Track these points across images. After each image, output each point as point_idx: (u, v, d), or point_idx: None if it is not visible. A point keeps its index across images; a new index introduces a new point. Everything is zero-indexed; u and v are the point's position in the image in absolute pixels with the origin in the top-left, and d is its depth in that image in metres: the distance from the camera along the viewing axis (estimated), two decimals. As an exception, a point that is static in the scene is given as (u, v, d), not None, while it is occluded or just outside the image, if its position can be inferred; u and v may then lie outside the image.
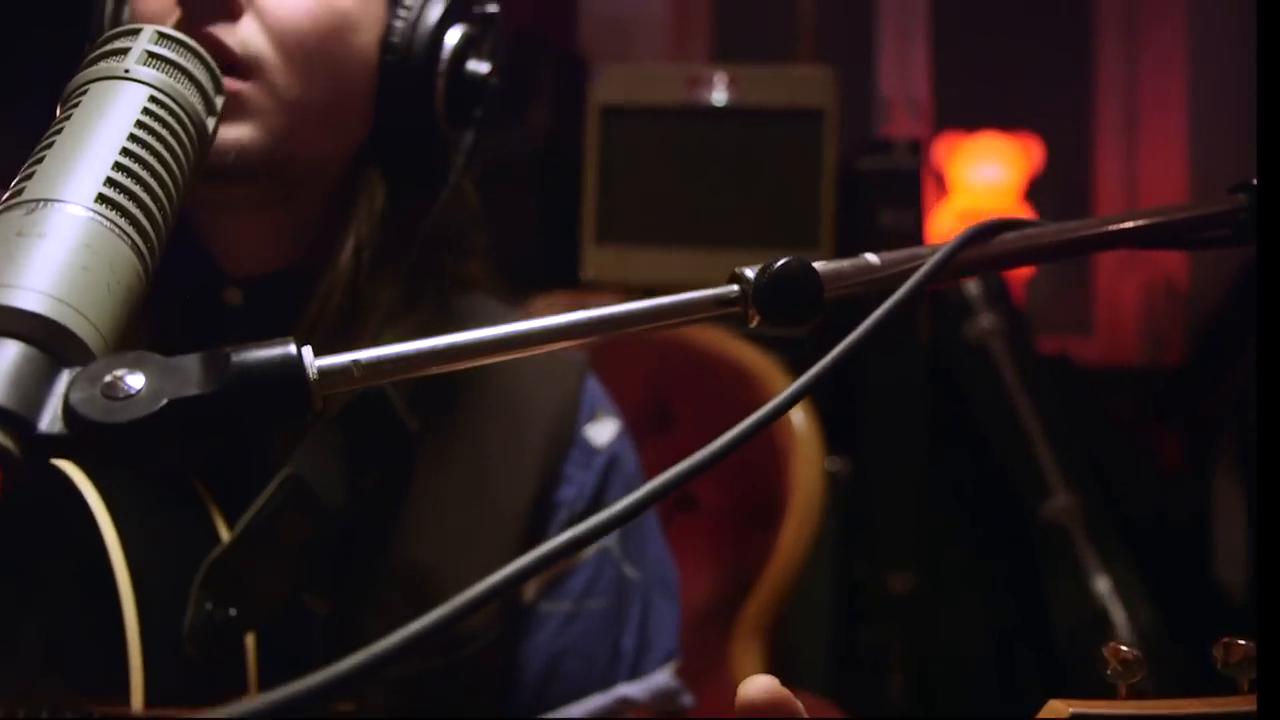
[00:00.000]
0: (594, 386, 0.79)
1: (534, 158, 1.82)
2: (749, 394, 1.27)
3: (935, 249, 0.45)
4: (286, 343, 0.35)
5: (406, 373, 0.37)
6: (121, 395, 0.33)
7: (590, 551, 0.75)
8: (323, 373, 0.35)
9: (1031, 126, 2.48)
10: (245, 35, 0.60)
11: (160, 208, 0.41)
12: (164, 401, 0.33)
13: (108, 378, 0.33)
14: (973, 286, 1.73)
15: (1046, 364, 1.81)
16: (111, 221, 0.38)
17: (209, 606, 0.61)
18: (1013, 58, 2.62)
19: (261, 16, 0.61)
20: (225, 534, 0.64)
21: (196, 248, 0.68)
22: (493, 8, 0.71)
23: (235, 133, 0.59)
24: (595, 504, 0.75)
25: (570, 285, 1.67)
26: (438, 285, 0.72)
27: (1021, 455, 1.68)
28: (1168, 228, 0.50)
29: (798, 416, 1.25)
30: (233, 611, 0.61)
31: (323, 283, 0.65)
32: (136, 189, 0.40)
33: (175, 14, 0.60)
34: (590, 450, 0.76)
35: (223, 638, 0.62)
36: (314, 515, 0.64)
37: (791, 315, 0.40)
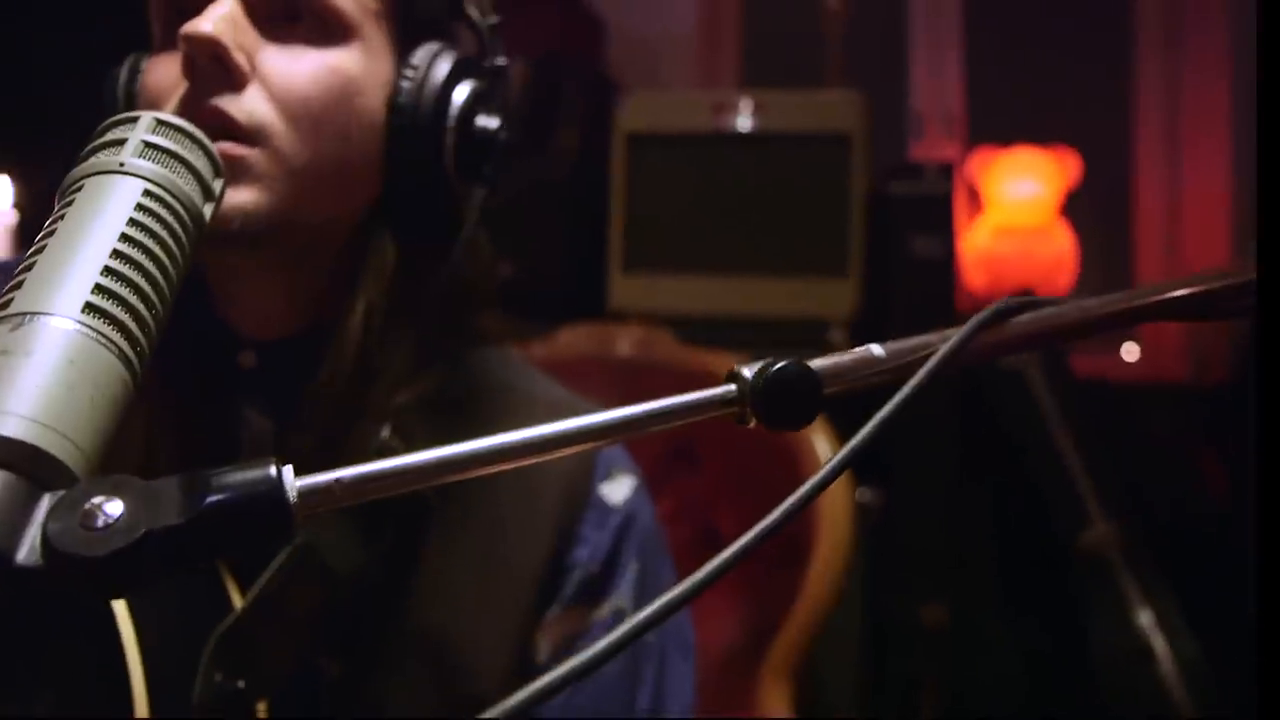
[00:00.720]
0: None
1: (562, 183, 1.82)
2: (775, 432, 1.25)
3: (945, 336, 0.43)
4: (266, 464, 0.34)
5: (390, 490, 0.36)
6: (99, 525, 0.32)
7: (604, 612, 0.74)
8: (303, 494, 0.34)
9: (1068, 139, 2.43)
10: (250, 104, 0.60)
11: (151, 307, 0.41)
12: (142, 532, 0.32)
13: (86, 505, 0.33)
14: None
15: (1084, 387, 1.77)
16: (98, 332, 0.38)
17: (219, 678, 0.61)
18: (1048, 70, 2.58)
19: (266, 84, 0.60)
20: (238, 599, 0.64)
21: (210, 311, 0.68)
22: (501, 61, 0.70)
23: (240, 198, 0.59)
24: (609, 564, 0.74)
25: (597, 314, 1.66)
26: (452, 343, 0.72)
27: (1058, 483, 1.64)
28: (1194, 300, 0.48)
29: (824, 449, 1.24)
30: (242, 684, 0.61)
31: (333, 348, 0.65)
32: (126, 293, 0.40)
33: (183, 86, 0.60)
34: (605, 509, 0.75)
35: (233, 708, 0.62)
36: (325, 583, 0.64)
37: (788, 419, 0.39)
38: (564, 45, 2.23)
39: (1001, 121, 2.53)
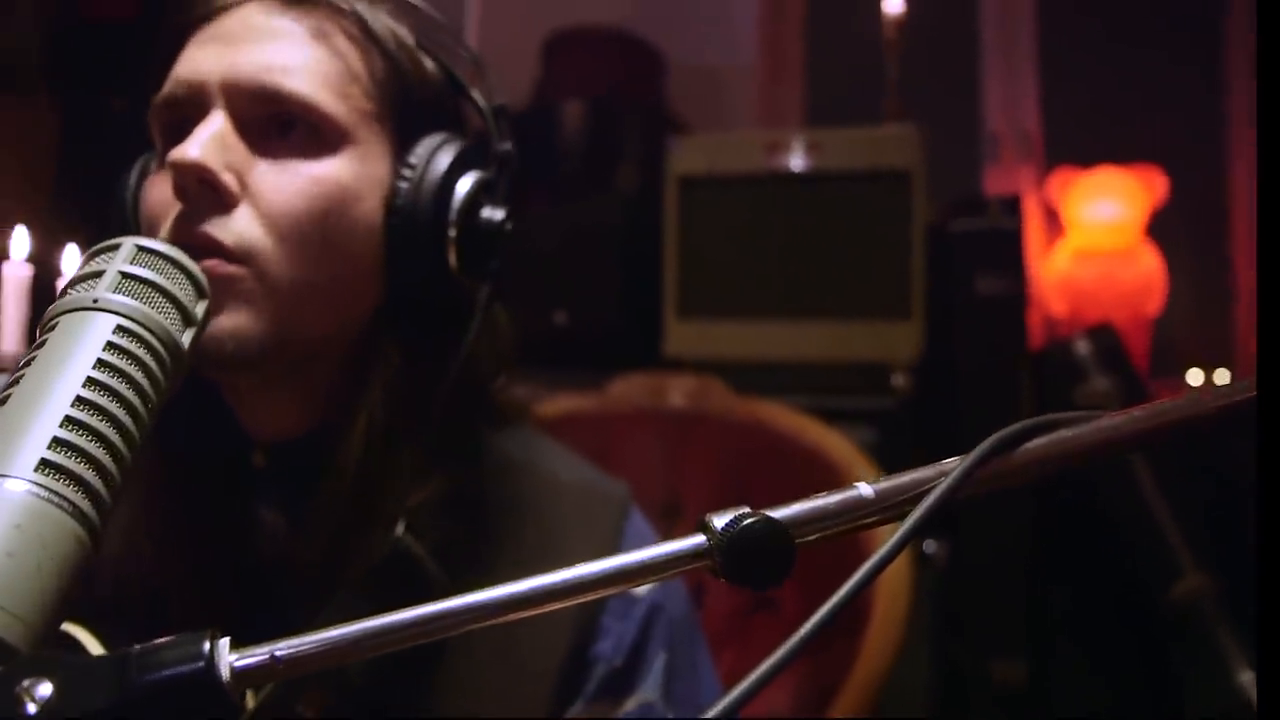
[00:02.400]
0: (636, 525, 0.75)
1: (617, 226, 1.80)
2: (829, 484, 1.20)
3: (942, 471, 0.40)
4: (200, 640, 0.33)
5: (334, 661, 0.35)
6: (27, 710, 0.31)
7: (631, 706, 0.71)
8: (239, 673, 0.33)
9: (1153, 158, 2.32)
10: (240, 226, 0.59)
11: (116, 453, 0.40)
12: (68, 717, 0.31)
13: (15, 689, 0.32)
14: (1082, 346, 1.61)
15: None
16: (51, 491, 0.37)
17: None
18: (1128, 85, 2.46)
19: (257, 202, 0.60)
20: (250, 699, 0.63)
21: (222, 410, 0.68)
22: (508, 146, 0.68)
23: (232, 321, 0.58)
24: (634, 657, 0.71)
25: (653, 361, 1.63)
26: (467, 435, 0.70)
27: (1145, 530, 1.54)
28: (1227, 412, 0.43)
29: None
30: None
31: (338, 454, 0.64)
32: (87, 443, 0.39)
33: (175, 209, 0.60)
34: (629, 599, 0.72)
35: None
36: (336, 687, 0.63)
37: (754, 579, 0.36)
38: (622, 82, 2.22)
39: (1081, 141, 2.43)
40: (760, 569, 0.36)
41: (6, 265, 1.26)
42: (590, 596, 0.37)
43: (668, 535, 0.78)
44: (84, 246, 1.29)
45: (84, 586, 0.39)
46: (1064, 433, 0.42)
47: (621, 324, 1.73)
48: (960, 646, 1.50)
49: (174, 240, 0.58)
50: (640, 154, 2.00)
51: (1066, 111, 2.48)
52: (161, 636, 0.65)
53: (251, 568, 0.67)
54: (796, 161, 1.58)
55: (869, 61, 2.07)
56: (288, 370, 0.63)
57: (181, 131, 0.60)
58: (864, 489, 0.39)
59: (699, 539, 0.37)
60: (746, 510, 0.36)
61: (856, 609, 1.14)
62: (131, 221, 0.65)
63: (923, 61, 1.98)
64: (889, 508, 0.39)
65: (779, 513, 0.37)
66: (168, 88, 0.63)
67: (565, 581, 0.37)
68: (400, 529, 0.64)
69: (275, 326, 0.59)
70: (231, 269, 0.58)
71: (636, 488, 0.85)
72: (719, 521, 0.37)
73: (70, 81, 2.44)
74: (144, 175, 0.66)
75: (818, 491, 1.22)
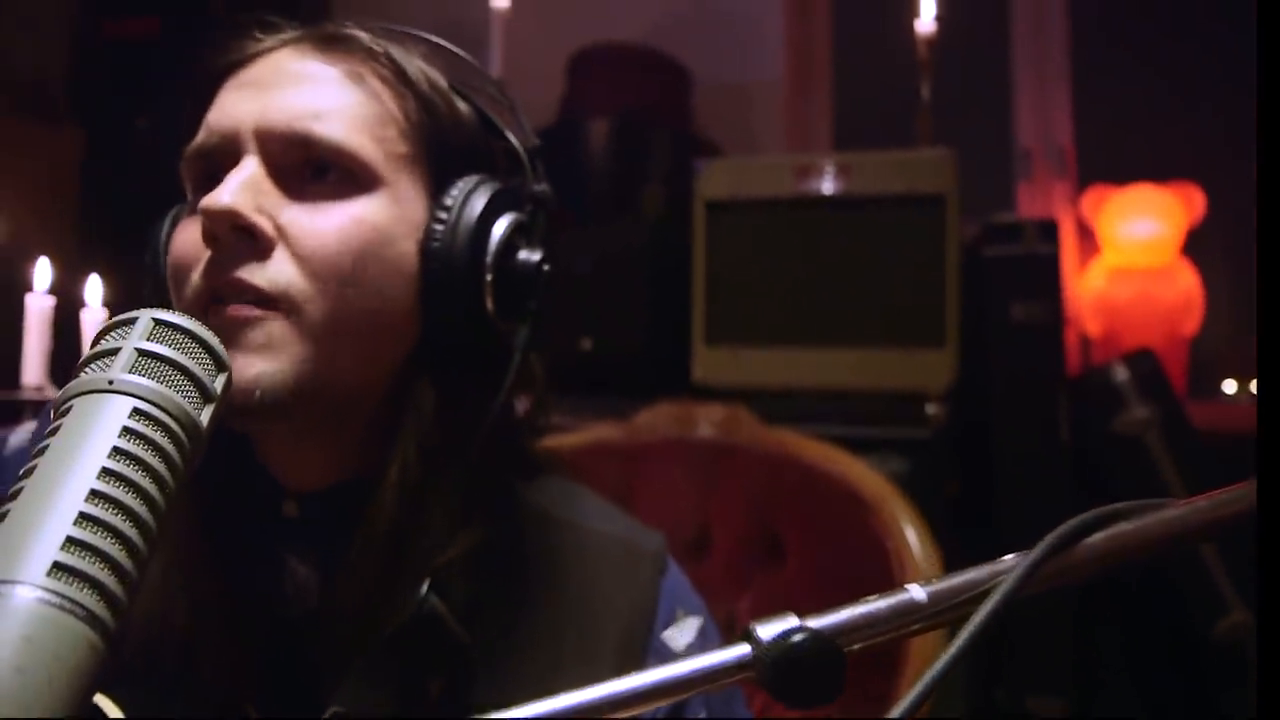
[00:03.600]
0: (673, 581, 0.73)
1: (644, 249, 1.78)
2: (863, 519, 1.18)
3: (996, 573, 0.37)
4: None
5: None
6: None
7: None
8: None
9: (1190, 175, 2.26)
10: (274, 270, 0.58)
11: (133, 549, 0.39)
12: None
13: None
14: (1121, 372, 1.57)
15: (1210, 450, 1.61)
16: (64, 597, 0.36)
17: None
18: (1163, 100, 2.42)
19: (291, 246, 0.58)
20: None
21: (253, 459, 0.67)
22: (542, 187, 0.67)
23: (259, 368, 0.57)
24: (675, 711, 0.69)
25: (680, 388, 1.60)
26: (500, 488, 0.68)
27: (1188, 564, 1.50)
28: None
29: (913, 537, 1.16)
30: None
31: (371, 506, 0.62)
32: (102, 541, 0.38)
33: (205, 255, 0.59)
34: (668, 657, 0.69)
35: None
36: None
37: (804, 696, 0.34)
38: (648, 99, 2.20)
39: (1115, 157, 2.38)
40: (808, 686, 0.34)
41: (29, 296, 1.26)
42: (633, 712, 0.35)
43: (696, 574, 0.76)
44: (106, 277, 1.29)
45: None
46: (1124, 526, 0.40)
47: (648, 350, 1.71)
48: (998, 683, 1.47)
49: (205, 286, 0.58)
50: (667, 173, 1.98)
51: (1100, 127, 2.43)
52: (188, 693, 0.63)
53: (281, 621, 0.66)
54: (827, 185, 1.55)
55: (898, 73, 2.04)
56: (320, 418, 0.61)
57: (214, 180, 0.59)
58: (916, 592, 0.37)
59: (744, 650, 0.35)
60: (794, 624, 0.34)
61: (893, 645, 1.11)
62: (163, 275, 0.64)
63: (954, 76, 1.95)
64: (942, 612, 0.37)
65: (827, 622, 0.35)
66: (200, 137, 0.62)
67: (607, 697, 0.35)
68: (424, 588, 0.62)
69: (308, 373, 0.58)
70: (264, 313, 0.57)
71: (665, 520, 0.83)
72: (765, 633, 0.35)
73: (94, 101, 2.46)
74: (175, 226, 0.65)
75: (848, 527, 1.18)
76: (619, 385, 1.47)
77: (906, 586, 0.37)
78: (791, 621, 0.34)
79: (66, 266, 1.31)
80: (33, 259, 1.28)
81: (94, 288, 1.27)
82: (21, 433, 0.73)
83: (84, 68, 2.50)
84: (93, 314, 1.27)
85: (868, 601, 0.36)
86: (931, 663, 0.98)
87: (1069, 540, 0.38)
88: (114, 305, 1.26)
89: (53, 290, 1.27)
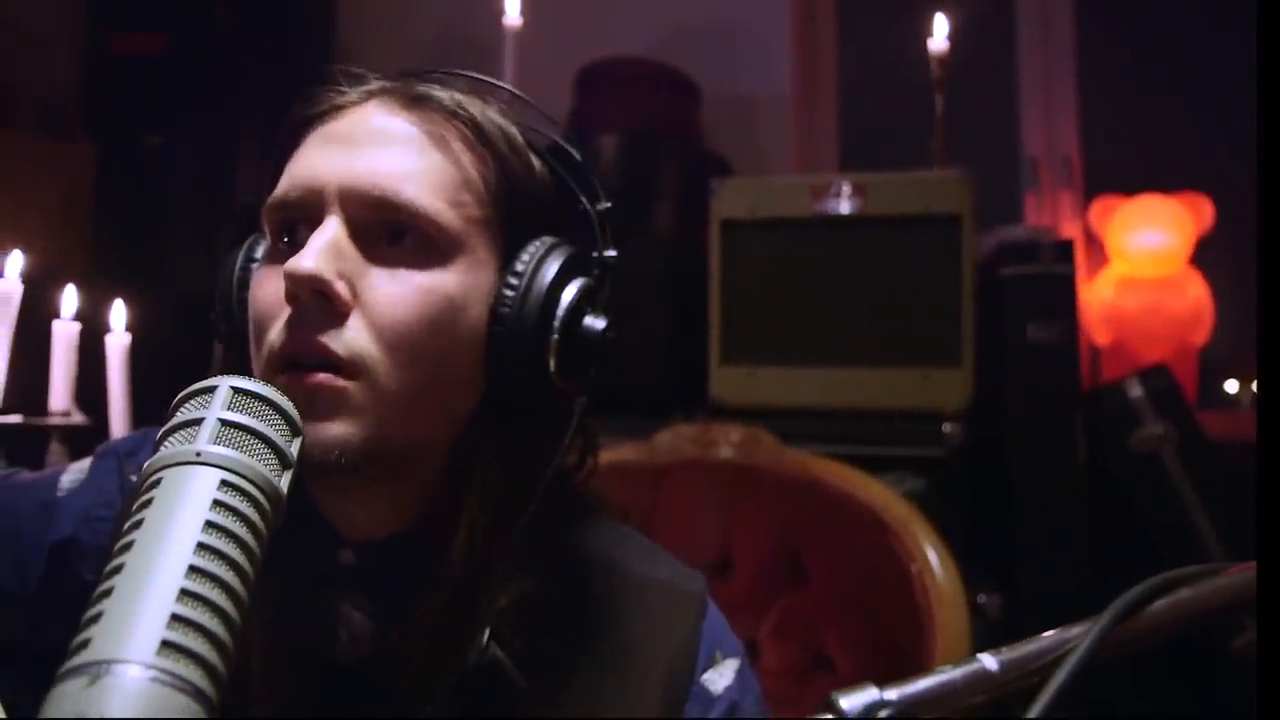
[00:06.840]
0: (713, 622, 0.74)
1: (659, 268, 1.78)
2: (886, 542, 1.19)
3: (1064, 640, 0.38)
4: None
5: None
6: None
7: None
8: None
9: (1199, 185, 2.28)
10: (351, 337, 0.59)
11: (230, 623, 0.40)
12: None
13: None
14: (1135, 389, 1.58)
15: (1231, 470, 1.62)
16: (172, 675, 0.37)
17: None
18: (1170, 110, 2.43)
19: (368, 312, 0.60)
20: None
21: (310, 506, 0.68)
22: (612, 252, 0.68)
23: (338, 430, 0.58)
24: None
25: (697, 407, 1.61)
26: (557, 533, 0.70)
27: (1201, 578, 1.50)
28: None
29: (934, 559, 1.17)
30: None
31: (441, 560, 0.63)
32: (203, 617, 0.39)
33: (286, 313, 0.60)
34: (709, 700, 0.71)
35: None
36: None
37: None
38: (657, 114, 2.21)
39: (1122, 167, 2.39)
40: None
41: (55, 323, 1.27)
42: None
43: (719, 597, 0.76)
44: (128, 300, 1.29)
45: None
46: (1185, 593, 0.41)
47: (664, 370, 1.72)
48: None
49: (284, 347, 0.59)
50: (678, 190, 1.98)
51: (1107, 137, 2.44)
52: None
53: (335, 667, 0.66)
54: (843, 205, 1.56)
55: (906, 88, 2.05)
56: (385, 472, 0.63)
57: (294, 231, 0.61)
58: (988, 661, 0.38)
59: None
60: (876, 695, 0.35)
61: (916, 662, 1.12)
62: (232, 307, 0.66)
63: (961, 87, 1.96)
64: (1014, 680, 0.38)
65: (905, 693, 0.36)
66: (283, 188, 0.63)
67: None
68: (485, 636, 0.63)
69: (380, 433, 0.60)
70: (343, 383, 0.58)
71: (687, 544, 0.84)
72: (848, 703, 0.35)
73: (104, 116, 2.46)
74: (249, 258, 0.67)
75: (870, 551, 1.18)
76: (635, 405, 1.47)
77: (978, 656, 0.38)
78: (872, 693, 0.35)
79: (83, 283, 1.32)
80: (55, 279, 1.29)
81: (118, 313, 1.28)
82: (74, 472, 0.74)
83: (93, 84, 2.51)
84: (117, 339, 1.28)
85: (941, 672, 0.37)
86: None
87: (1135, 607, 0.39)
88: (134, 327, 1.27)
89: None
